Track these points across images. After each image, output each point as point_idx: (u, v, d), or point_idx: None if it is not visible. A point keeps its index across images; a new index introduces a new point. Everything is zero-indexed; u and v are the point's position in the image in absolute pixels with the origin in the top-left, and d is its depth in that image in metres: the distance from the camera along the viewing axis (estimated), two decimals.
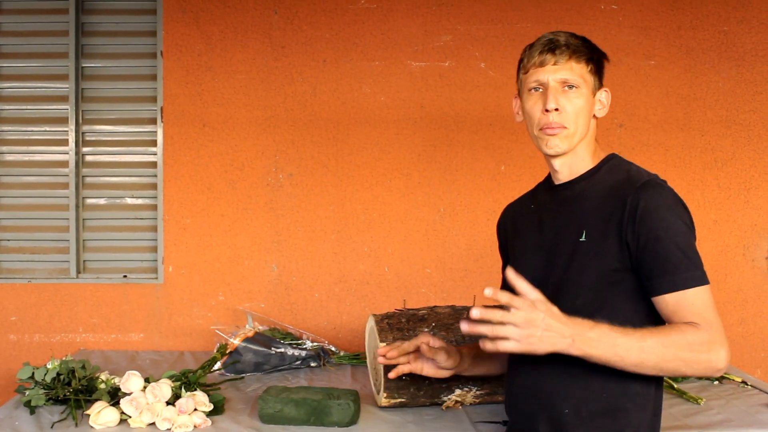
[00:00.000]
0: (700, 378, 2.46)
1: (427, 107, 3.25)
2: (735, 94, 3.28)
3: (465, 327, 1.39)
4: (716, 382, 2.58)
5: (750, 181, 3.29)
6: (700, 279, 1.49)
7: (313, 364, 2.85)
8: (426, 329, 2.27)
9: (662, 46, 3.27)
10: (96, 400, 2.16)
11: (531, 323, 1.37)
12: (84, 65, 3.29)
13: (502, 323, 1.38)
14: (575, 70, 1.61)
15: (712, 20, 3.27)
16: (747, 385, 2.54)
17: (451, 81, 3.25)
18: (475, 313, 1.38)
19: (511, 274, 1.42)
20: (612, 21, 3.26)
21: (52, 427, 2.06)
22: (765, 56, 3.28)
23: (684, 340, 1.43)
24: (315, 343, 2.91)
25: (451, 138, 3.26)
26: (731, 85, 3.28)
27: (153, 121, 3.28)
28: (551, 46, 1.62)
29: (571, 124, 1.62)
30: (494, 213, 3.22)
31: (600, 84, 1.68)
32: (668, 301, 1.50)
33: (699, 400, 2.32)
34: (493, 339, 1.40)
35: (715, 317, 1.48)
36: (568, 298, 1.58)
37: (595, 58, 1.66)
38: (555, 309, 1.41)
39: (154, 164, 3.28)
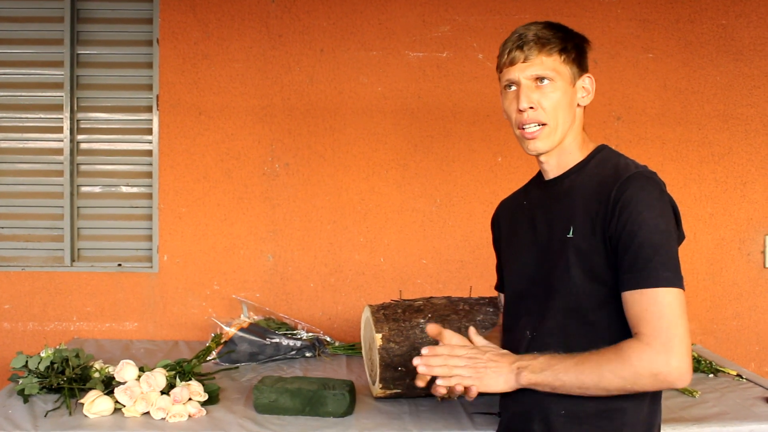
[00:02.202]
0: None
1: (424, 98, 3.24)
2: (732, 88, 3.28)
3: (417, 361, 1.56)
4: (711, 375, 2.58)
5: (746, 175, 3.29)
6: (668, 280, 1.41)
7: (308, 355, 2.85)
8: (422, 320, 2.27)
9: (660, 39, 3.26)
10: (90, 389, 2.15)
11: (475, 358, 1.55)
12: (79, 52, 3.26)
13: (452, 356, 1.55)
14: (546, 64, 1.56)
15: (711, 14, 3.27)
16: (742, 378, 2.54)
17: (448, 72, 3.24)
18: (424, 351, 1.56)
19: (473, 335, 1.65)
20: (610, 13, 3.25)
21: (45, 416, 2.05)
22: (763, 51, 3.28)
23: (622, 360, 1.40)
24: (310, 334, 2.91)
25: (448, 129, 3.25)
26: (729, 79, 3.28)
27: (149, 109, 3.26)
28: (520, 43, 1.57)
29: (550, 119, 1.57)
30: (491, 204, 3.21)
31: (581, 71, 1.62)
32: (627, 300, 1.44)
33: (694, 393, 2.32)
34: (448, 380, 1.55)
35: (676, 324, 1.39)
36: (559, 297, 1.55)
37: (570, 47, 1.59)
38: (502, 351, 1.58)
39: (149, 152, 3.27)
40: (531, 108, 1.56)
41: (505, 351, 1.58)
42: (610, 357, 1.42)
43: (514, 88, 1.59)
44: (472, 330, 1.62)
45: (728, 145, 3.28)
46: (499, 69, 1.62)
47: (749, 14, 3.27)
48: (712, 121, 3.28)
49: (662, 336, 1.38)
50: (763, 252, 3.28)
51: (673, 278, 1.42)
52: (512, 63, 1.57)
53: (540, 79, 1.56)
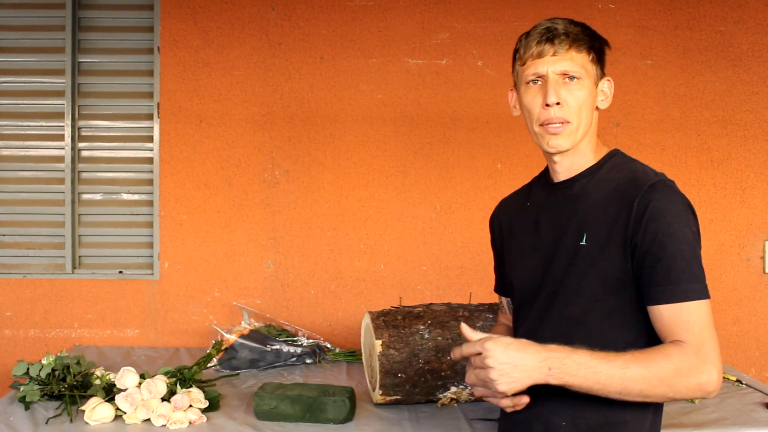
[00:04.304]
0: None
1: (423, 105, 3.25)
2: (731, 94, 3.29)
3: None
4: None
5: (745, 181, 3.29)
6: (700, 293, 1.40)
7: (308, 361, 2.85)
8: (421, 327, 2.27)
9: (659, 46, 3.27)
10: (91, 396, 2.16)
11: (499, 364, 1.35)
12: (81, 60, 3.28)
13: (483, 367, 1.37)
14: (576, 61, 1.51)
15: (709, 20, 3.28)
16: (742, 383, 2.54)
17: (448, 79, 3.25)
18: (456, 354, 1.43)
19: (465, 330, 1.43)
20: (609, 20, 3.26)
21: (47, 423, 2.05)
22: (761, 57, 3.29)
23: (671, 365, 1.34)
24: (311, 340, 2.91)
25: (447, 136, 3.26)
26: (728, 85, 3.29)
27: (149, 117, 3.27)
28: (549, 36, 1.51)
29: (574, 118, 1.51)
30: (491, 211, 3.20)
31: (602, 73, 1.58)
32: (663, 313, 1.40)
33: (693, 399, 2.32)
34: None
35: (710, 335, 1.38)
36: (565, 305, 1.51)
37: (597, 47, 1.55)
38: (523, 340, 1.37)
39: (150, 160, 3.28)
40: (558, 104, 1.50)
41: (524, 342, 1.38)
42: (660, 364, 1.34)
43: (538, 82, 1.53)
44: (464, 327, 1.43)
45: (727, 151, 3.29)
46: (522, 62, 1.55)
47: (747, 21, 3.28)
48: (711, 126, 3.29)
49: (705, 347, 1.36)
50: (763, 257, 3.29)
51: (704, 290, 1.41)
52: (540, 56, 1.51)
53: (568, 75, 1.51)
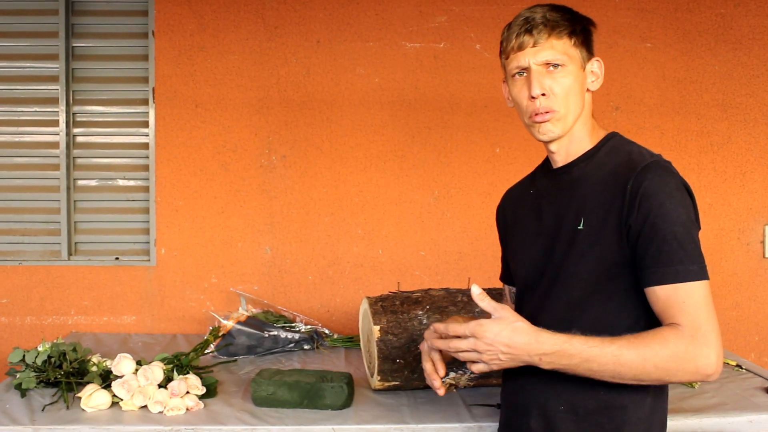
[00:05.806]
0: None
1: (421, 89, 3.23)
2: (731, 77, 3.26)
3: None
4: None
5: (745, 165, 3.28)
6: (696, 274, 1.38)
7: (306, 347, 2.84)
8: (420, 312, 2.26)
9: (659, 29, 3.25)
10: (87, 382, 2.15)
11: (489, 347, 1.39)
12: (75, 45, 3.25)
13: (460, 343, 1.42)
14: (557, 48, 1.48)
15: (709, 3, 3.25)
16: (741, 368, 2.54)
17: (446, 62, 3.23)
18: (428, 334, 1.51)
19: (476, 292, 1.44)
20: (608, 3, 3.23)
21: (43, 410, 2.04)
22: (762, 40, 3.26)
23: (666, 350, 1.34)
24: (308, 326, 2.90)
25: (445, 120, 3.24)
26: (728, 68, 3.26)
27: (145, 102, 3.24)
28: (528, 26, 1.49)
29: (561, 106, 1.50)
30: (489, 195, 3.23)
31: (589, 54, 1.55)
32: (658, 295, 1.39)
33: (693, 384, 2.31)
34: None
35: (708, 317, 1.37)
36: (565, 289, 1.51)
37: (579, 29, 1.52)
38: (520, 325, 1.38)
39: (146, 145, 3.25)
40: (543, 94, 1.49)
41: (522, 329, 1.38)
42: (655, 349, 1.34)
43: (523, 74, 1.52)
44: (475, 289, 1.44)
45: (727, 135, 3.27)
46: (506, 55, 1.55)
47: (748, 3, 3.25)
48: (711, 110, 3.27)
49: (702, 329, 1.35)
50: (763, 242, 3.28)
51: (701, 271, 1.40)
52: (521, 48, 1.50)
53: (551, 64, 1.49)
